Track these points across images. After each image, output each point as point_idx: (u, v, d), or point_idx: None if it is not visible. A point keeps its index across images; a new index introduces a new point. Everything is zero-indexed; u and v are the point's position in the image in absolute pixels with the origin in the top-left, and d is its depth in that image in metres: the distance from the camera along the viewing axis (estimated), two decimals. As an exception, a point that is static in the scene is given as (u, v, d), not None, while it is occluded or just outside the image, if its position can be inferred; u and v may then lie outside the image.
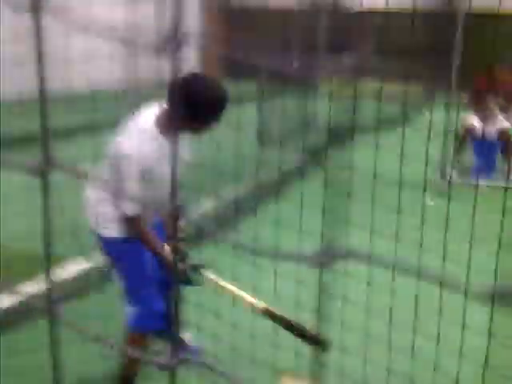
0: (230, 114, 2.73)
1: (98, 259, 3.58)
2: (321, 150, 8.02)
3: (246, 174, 4.60)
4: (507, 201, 2.31)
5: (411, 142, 3.35)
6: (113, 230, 2.73)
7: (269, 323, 2.55)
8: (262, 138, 8.14)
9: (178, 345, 3.11)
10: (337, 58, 13.59)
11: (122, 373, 2.88)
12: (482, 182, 6.92)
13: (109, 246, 2.78)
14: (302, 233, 2.67)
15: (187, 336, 3.23)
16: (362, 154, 2.11)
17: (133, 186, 2.53)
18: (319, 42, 10.80)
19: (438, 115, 7.77)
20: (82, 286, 3.82)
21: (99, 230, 2.77)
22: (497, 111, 7.61)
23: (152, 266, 2.79)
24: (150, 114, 2.65)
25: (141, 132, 2.59)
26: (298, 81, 7.68)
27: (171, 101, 2.49)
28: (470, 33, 9.39)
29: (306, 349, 2.37)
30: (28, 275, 3.45)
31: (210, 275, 2.77)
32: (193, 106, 2.46)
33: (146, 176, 2.56)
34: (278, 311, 2.56)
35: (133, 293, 2.79)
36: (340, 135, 8.93)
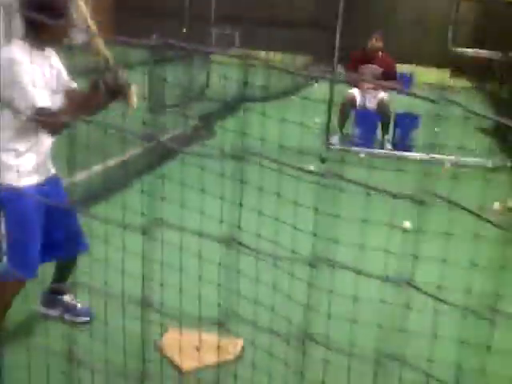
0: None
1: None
2: (212, 117, 8.19)
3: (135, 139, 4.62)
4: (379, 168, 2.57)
5: (299, 110, 3.57)
6: (1, 176, 2.75)
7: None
8: (153, 104, 8.15)
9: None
10: (225, 28, 13.70)
11: None
12: (362, 150, 7.38)
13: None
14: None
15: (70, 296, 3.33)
16: (252, 123, 2.26)
17: (27, 81, 2.63)
18: (210, 10, 10.85)
19: (325, 86, 8.16)
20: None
21: None
22: (373, 83, 8.03)
23: (34, 216, 2.82)
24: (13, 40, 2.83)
25: (9, 46, 2.79)
26: (188, 49, 7.74)
27: (22, 14, 2.82)
28: (353, 6, 9.81)
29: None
30: None
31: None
32: (36, 10, 2.62)
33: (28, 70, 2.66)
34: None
35: (10, 238, 2.83)
36: (231, 104, 9.11)
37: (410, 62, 12.39)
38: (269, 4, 11.55)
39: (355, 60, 7.98)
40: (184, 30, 7.78)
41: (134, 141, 3.03)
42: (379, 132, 8.03)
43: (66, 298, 3.34)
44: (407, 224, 4.45)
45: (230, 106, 9.05)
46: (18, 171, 2.74)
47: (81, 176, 4.82)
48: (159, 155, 5.83)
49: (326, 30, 8.14)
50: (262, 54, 9.30)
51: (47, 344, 2.46)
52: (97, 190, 4.81)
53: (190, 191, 2.70)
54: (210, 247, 2.48)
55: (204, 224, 2.24)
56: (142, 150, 5.91)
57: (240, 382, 2.46)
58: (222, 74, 3.43)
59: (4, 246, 2.84)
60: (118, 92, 2.79)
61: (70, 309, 3.32)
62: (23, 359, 2.41)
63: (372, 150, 7.59)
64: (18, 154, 2.77)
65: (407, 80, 11.81)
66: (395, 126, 8.03)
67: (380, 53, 7.98)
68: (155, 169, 5.10)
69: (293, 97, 8.96)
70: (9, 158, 2.75)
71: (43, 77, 2.77)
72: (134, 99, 2.85)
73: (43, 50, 2.84)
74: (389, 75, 7.85)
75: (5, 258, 2.85)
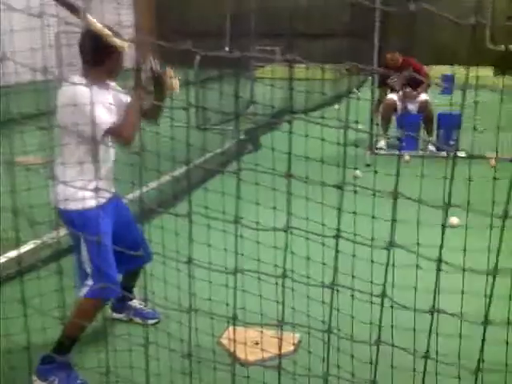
0: (168, 101, 3.10)
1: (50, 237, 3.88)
2: (258, 131, 8.43)
3: (186, 157, 4.82)
4: (425, 168, 2.72)
5: (342, 118, 3.73)
6: (72, 204, 2.99)
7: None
8: (200, 123, 8.46)
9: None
10: (267, 42, 13.97)
11: (63, 335, 3.04)
12: (406, 153, 7.50)
13: (69, 219, 3.03)
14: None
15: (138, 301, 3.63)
16: (296, 134, 2.42)
17: (94, 111, 2.83)
18: (250, 28, 11.14)
19: (367, 94, 8.31)
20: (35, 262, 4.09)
21: (60, 205, 3.02)
22: (409, 89, 8.18)
23: (111, 236, 3.09)
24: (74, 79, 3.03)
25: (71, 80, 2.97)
26: (232, 66, 8.02)
27: (81, 53, 3.05)
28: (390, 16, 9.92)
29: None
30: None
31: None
32: (90, 47, 2.94)
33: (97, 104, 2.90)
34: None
35: (93, 263, 3.05)
36: (276, 118, 9.32)
37: (450, 62, 12.38)
38: (305, 17, 11.77)
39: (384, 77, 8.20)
40: (227, 49, 8.07)
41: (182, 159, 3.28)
42: (422, 134, 8.15)
43: (135, 303, 3.64)
44: (455, 220, 4.55)
45: (275, 119, 9.28)
46: (84, 196, 2.96)
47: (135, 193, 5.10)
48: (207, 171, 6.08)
49: (364, 39, 8.32)
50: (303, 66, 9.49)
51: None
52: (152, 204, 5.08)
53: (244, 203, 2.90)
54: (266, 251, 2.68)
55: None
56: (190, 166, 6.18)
57: (300, 369, 2.65)
58: (266, 89, 3.63)
59: (87, 268, 3.09)
60: (157, 81, 3.09)
61: (138, 312, 3.61)
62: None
63: (416, 151, 7.70)
64: (84, 180, 2.97)
65: (449, 80, 11.82)
66: (438, 126, 8.12)
67: (401, 60, 8.12)
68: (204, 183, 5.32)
69: (336, 106, 9.13)
70: (75, 185, 2.91)
71: (106, 105, 3.03)
72: (174, 82, 3.15)
73: (105, 89, 3.10)
74: (416, 78, 7.97)
75: (89, 279, 3.09)
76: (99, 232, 2.95)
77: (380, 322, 1.68)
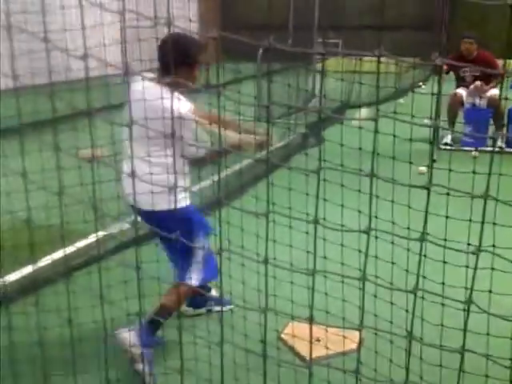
0: (231, 93, 3.07)
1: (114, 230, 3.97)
2: (320, 125, 8.36)
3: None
4: (495, 164, 2.62)
5: (408, 112, 3.64)
6: (162, 204, 2.96)
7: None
8: (262, 115, 8.44)
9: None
10: (329, 36, 13.83)
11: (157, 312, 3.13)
12: (474, 148, 7.27)
13: (159, 219, 2.97)
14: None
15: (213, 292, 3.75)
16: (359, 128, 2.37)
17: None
18: (312, 20, 11.04)
19: (432, 87, 8.08)
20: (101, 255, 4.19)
21: (145, 206, 2.98)
22: (477, 82, 7.94)
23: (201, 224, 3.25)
24: (145, 81, 2.97)
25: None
26: (294, 58, 7.97)
27: (162, 54, 3.07)
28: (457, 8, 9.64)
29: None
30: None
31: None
32: (175, 50, 3.04)
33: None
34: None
35: (190, 256, 3.21)
36: (340, 110, 9.22)
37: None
38: (369, 9, 11.58)
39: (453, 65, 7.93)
40: (290, 41, 8.02)
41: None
42: (491, 129, 7.88)
43: (213, 293, 3.76)
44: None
45: (338, 113, 9.18)
46: (187, 194, 3.17)
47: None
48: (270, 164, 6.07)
49: (431, 31, 8.10)
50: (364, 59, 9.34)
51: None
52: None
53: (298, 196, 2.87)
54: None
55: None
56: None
57: (364, 368, 2.60)
58: (328, 82, 3.58)
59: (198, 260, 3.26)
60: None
61: (217, 302, 3.69)
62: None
63: (484, 147, 7.46)
64: (186, 178, 3.17)
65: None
66: (508, 122, 7.84)
67: (475, 53, 7.87)
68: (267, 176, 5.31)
69: (401, 100, 8.95)
70: (184, 183, 3.11)
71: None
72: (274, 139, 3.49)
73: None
74: (489, 73, 7.72)
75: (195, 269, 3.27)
76: (192, 225, 3.15)
77: (465, 328, 1.60)
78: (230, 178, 5.52)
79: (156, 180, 2.66)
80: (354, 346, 3.14)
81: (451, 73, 8.14)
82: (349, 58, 7.48)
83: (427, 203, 1.56)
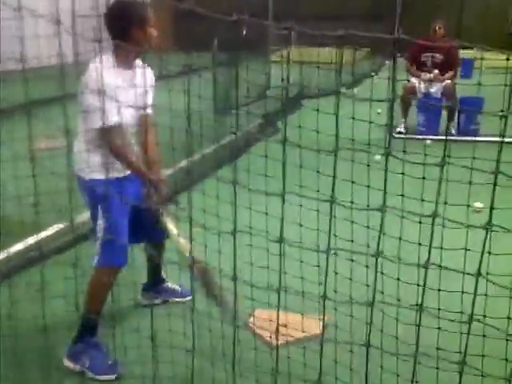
0: (185, 85, 3.02)
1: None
2: (275, 115, 8.39)
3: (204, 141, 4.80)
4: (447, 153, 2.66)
5: (361, 103, 3.67)
6: (96, 173, 2.95)
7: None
8: (218, 106, 8.42)
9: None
10: (283, 24, 13.85)
11: (85, 311, 3.01)
12: (427, 137, 7.41)
13: (91, 188, 2.99)
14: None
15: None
16: (313, 118, 2.39)
17: (101, 100, 2.73)
18: (267, 10, 11.05)
19: (386, 76, 8.17)
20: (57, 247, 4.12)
21: (83, 174, 3.02)
22: (434, 71, 8.05)
23: (124, 206, 3.03)
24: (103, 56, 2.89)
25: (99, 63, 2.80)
26: (249, 49, 7.96)
27: (107, 26, 2.94)
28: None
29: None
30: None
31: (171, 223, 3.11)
32: (119, 18, 2.93)
33: (111, 93, 2.78)
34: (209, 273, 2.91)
35: (107, 230, 3.01)
36: (294, 100, 9.27)
37: (471, 46, 12.22)
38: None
39: (416, 48, 8.00)
40: (244, 32, 8.00)
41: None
42: (444, 118, 8.05)
43: (167, 284, 3.70)
44: (479, 204, 4.50)
45: (292, 104, 9.23)
46: (104, 167, 2.88)
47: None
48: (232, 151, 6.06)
49: (383, 21, 8.19)
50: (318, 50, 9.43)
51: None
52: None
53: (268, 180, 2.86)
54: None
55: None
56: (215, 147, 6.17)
57: (325, 359, 2.62)
58: (282, 74, 3.60)
59: (98, 235, 3.07)
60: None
61: (173, 293, 3.68)
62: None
63: (437, 136, 7.61)
64: (104, 153, 2.94)
65: (468, 64, 11.65)
66: (460, 110, 8.02)
67: (442, 35, 7.98)
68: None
69: (355, 89, 9.04)
70: (96, 156, 2.95)
71: (126, 95, 2.93)
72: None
73: (130, 68, 3.02)
74: (450, 63, 7.88)
75: (97, 248, 3.08)
76: (116, 199, 2.93)
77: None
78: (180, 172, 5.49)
79: (79, 150, 3.00)
80: (317, 331, 3.17)
81: (404, 62, 8.23)
82: (307, 47, 7.51)
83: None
